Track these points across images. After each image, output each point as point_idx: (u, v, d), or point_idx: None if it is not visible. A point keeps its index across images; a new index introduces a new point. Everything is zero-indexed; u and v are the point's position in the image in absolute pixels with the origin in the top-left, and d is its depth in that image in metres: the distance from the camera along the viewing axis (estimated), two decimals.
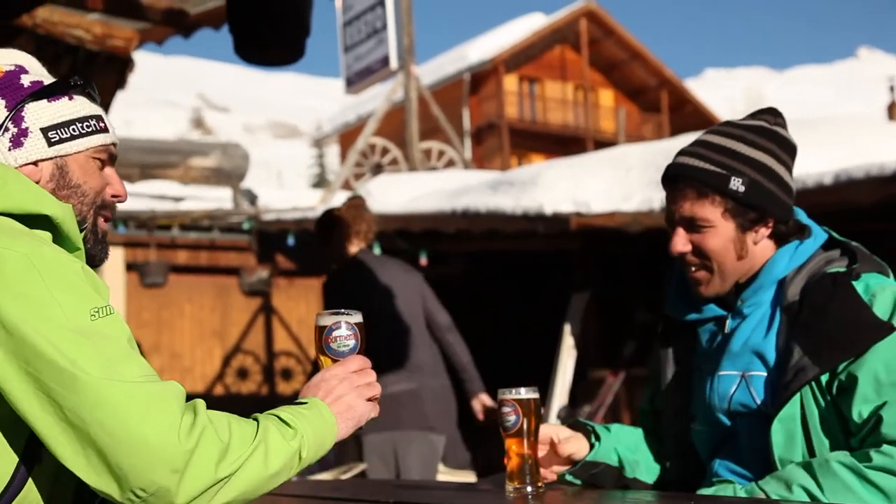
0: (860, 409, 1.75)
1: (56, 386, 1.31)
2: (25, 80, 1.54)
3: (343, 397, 1.56)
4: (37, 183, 1.50)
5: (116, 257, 11.36)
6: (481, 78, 29.03)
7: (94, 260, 1.61)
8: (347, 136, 30.74)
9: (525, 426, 1.85)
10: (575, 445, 2.01)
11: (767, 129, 1.96)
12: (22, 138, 1.51)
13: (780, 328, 1.88)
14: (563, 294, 8.42)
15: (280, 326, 12.61)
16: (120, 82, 6.67)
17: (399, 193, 10.26)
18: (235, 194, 13.31)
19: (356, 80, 16.87)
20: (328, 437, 1.52)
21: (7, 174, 1.45)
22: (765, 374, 1.88)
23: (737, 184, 1.88)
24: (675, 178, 1.95)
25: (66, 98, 1.56)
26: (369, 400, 1.60)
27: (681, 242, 1.95)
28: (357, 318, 1.63)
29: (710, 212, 1.91)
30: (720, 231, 1.92)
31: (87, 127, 1.56)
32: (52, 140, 1.53)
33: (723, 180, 1.89)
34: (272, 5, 3.83)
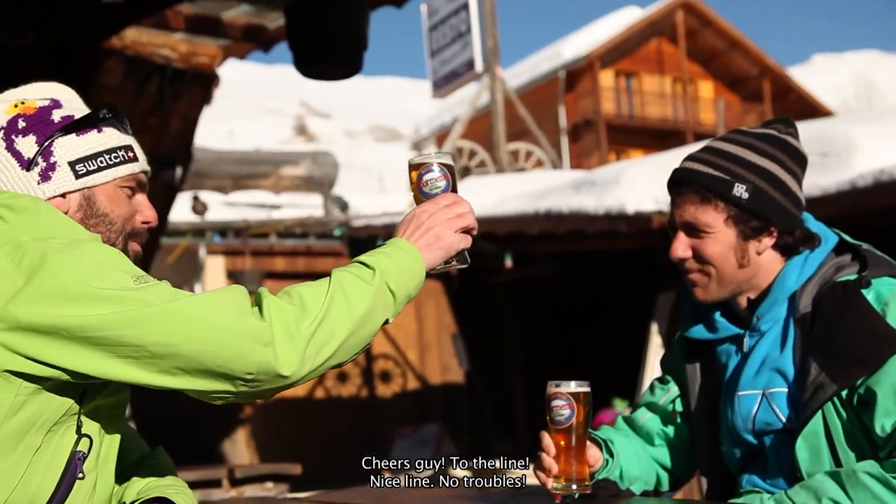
0: (882, 423, 1.72)
1: (129, 331, 1.40)
2: (56, 116, 1.61)
3: (431, 230, 1.62)
4: (65, 213, 1.58)
5: (218, 266, 11.72)
6: (577, 75, 28.75)
7: None
8: (444, 138, 30.91)
9: (576, 421, 1.80)
10: (593, 458, 1.94)
11: (777, 138, 1.92)
12: (50, 172, 1.58)
13: (796, 342, 1.85)
14: (649, 293, 8.31)
15: None
16: (206, 97, 6.92)
17: (485, 196, 10.29)
18: (326, 201, 13.54)
19: (443, 84, 17.01)
20: (415, 267, 1.58)
21: (39, 207, 1.54)
22: (785, 389, 1.85)
23: (740, 190, 1.86)
24: (680, 183, 1.93)
25: (96, 131, 1.62)
26: (463, 232, 1.65)
27: (681, 248, 1.92)
28: (446, 158, 1.68)
29: (713, 217, 1.88)
30: (721, 237, 1.88)
31: (115, 158, 1.63)
32: (80, 172, 1.60)
33: (726, 186, 1.86)
34: (328, 23, 3.93)
